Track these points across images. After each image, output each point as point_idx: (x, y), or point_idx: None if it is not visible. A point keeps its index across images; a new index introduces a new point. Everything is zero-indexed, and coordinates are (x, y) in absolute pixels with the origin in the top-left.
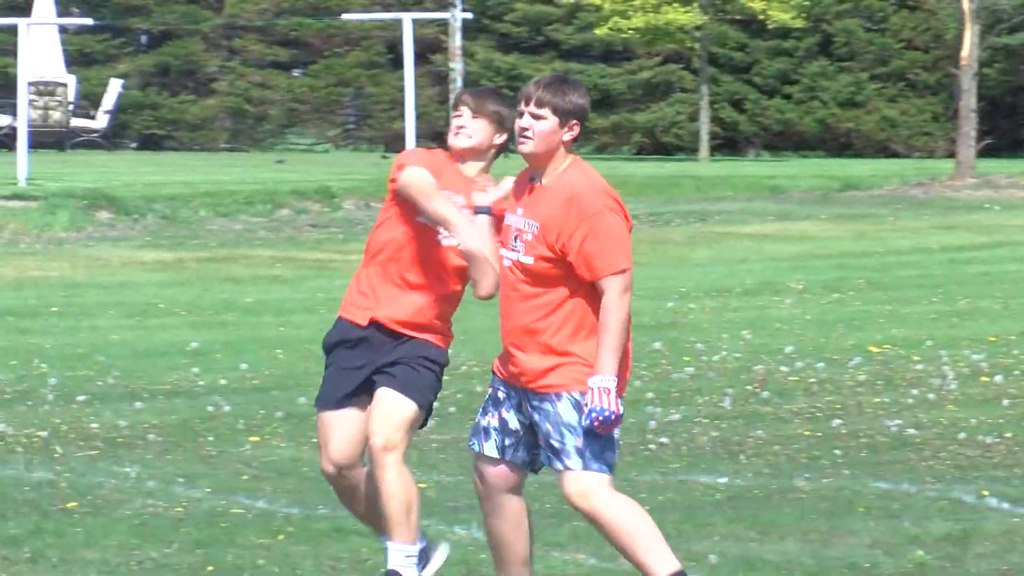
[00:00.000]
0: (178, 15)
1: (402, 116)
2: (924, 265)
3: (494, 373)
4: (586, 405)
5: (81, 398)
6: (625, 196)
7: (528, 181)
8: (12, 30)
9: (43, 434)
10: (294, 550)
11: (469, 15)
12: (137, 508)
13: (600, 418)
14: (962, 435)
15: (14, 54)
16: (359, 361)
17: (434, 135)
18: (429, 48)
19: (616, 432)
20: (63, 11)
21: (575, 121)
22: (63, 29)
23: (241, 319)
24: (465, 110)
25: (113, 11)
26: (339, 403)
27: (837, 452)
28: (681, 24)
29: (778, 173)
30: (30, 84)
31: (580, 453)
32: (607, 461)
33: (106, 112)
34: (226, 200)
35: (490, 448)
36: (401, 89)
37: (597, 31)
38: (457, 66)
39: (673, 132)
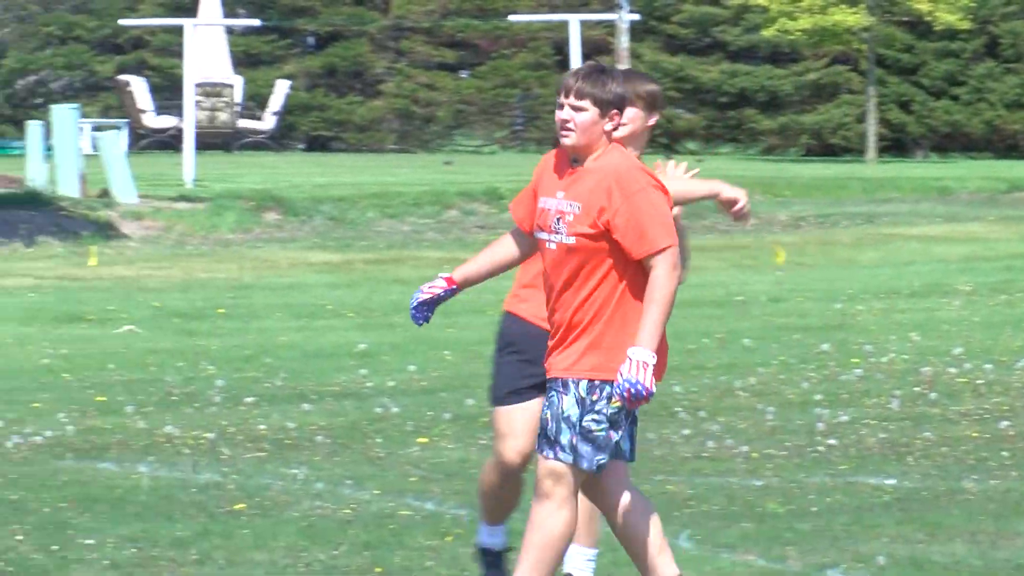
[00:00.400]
0: (345, 16)
1: None
2: None
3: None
4: (620, 375)
5: (248, 400)
6: (792, 198)
7: (569, 164)
8: (179, 31)
9: (210, 436)
10: (462, 552)
11: (636, 16)
12: (305, 510)
13: (632, 391)
14: None
15: (181, 55)
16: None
17: None
18: (596, 49)
19: (615, 435)
20: (229, 12)
21: (615, 111)
22: (229, 30)
23: (409, 321)
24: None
25: (280, 12)
26: (523, 394)
27: (1005, 454)
28: (848, 25)
29: (946, 175)
30: (197, 85)
31: (574, 449)
32: (599, 464)
33: (273, 113)
34: (394, 201)
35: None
36: None
37: (764, 32)
38: (624, 67)
39: (840, 134)
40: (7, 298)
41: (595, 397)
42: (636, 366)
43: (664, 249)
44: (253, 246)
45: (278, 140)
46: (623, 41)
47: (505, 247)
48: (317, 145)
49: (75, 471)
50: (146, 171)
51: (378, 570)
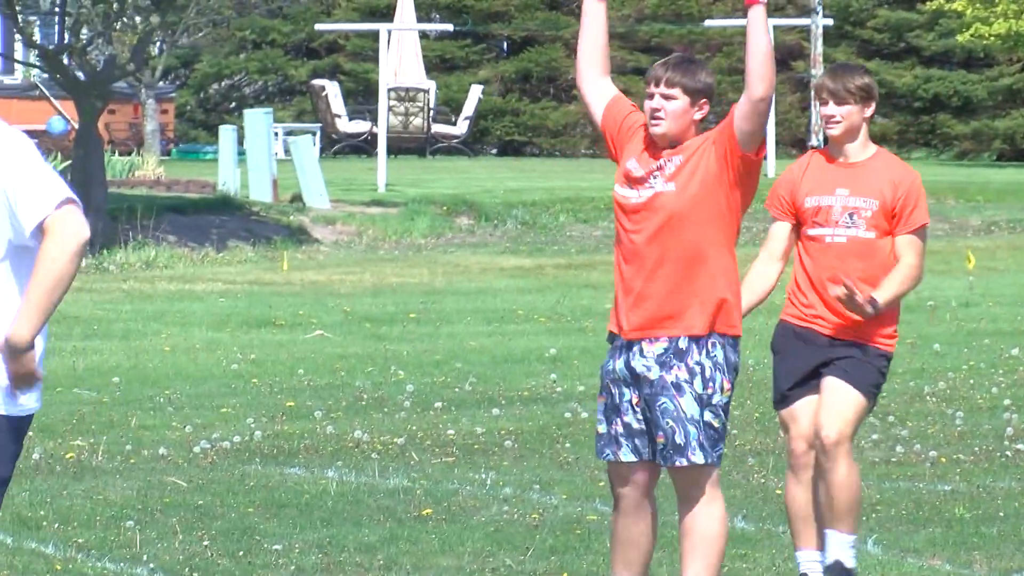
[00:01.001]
0: (539, 21)
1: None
2: None
3: None
4: None
5: (438, 405)
6: (985, 202)
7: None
8: (373, 36)
9: (399, 441)
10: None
11: (830, 21)
12: (492, 515)
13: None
14: None
15: (375, 60)
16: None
17: (795, 141)
18: (791, 54)
19: (723, 422)
20: (424, 17)
21: (704, 99)
22: (423, 35)
23: (599, 325)
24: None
25: (474, 17)
26: (797, 392)
27: None
28: None
29: None
30: (390, 90)
31: (701, 446)
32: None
33: (466, 118)
34: (586, 206)
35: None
36: None
37: (959, 37)
38: (819, 72)
39: None
40: (198, 303)
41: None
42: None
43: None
44: (445, 251)
45: (471, 145)
46: (817, 46)
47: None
48: (510, 150)
49: (263, 476)
50: (338, 176)
51: (565, 575)
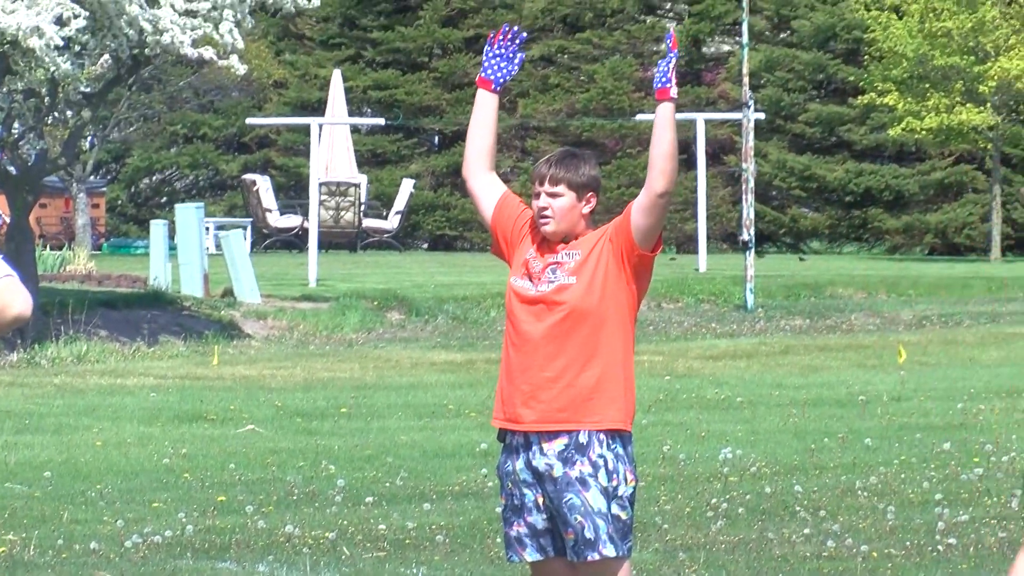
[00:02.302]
0: (470, 116)
1: (694, 217)
2: None
3: None
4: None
5: (369, 499)
6: (916, 297)
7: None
8: (305, 130)
9: (331, 535)
10: None
11: (762, 115)
12: None
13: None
14: None
15: (306, 155)
16: None
17: (726, 236)
18: (722, 148)
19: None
20: (355, 111)
21: (591, 193)
22: (355, 129)
23: None
24: None
25: (405, 111)
26: None
27: None
28: (974, 124)
29: None
30: (322, 184)
31: (611, 540)
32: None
33: (397, 213)
34: None
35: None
36: (693, 190)
37: (891, 131)
38: (750, 167)
39: (965, 233)
40: (129, 397)
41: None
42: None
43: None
44: (376, 346)
45: (402, 239)
46: (749, 140)
47: None
48: (441, 244)
49: (194, 571)
50: (270, 271)
51: None
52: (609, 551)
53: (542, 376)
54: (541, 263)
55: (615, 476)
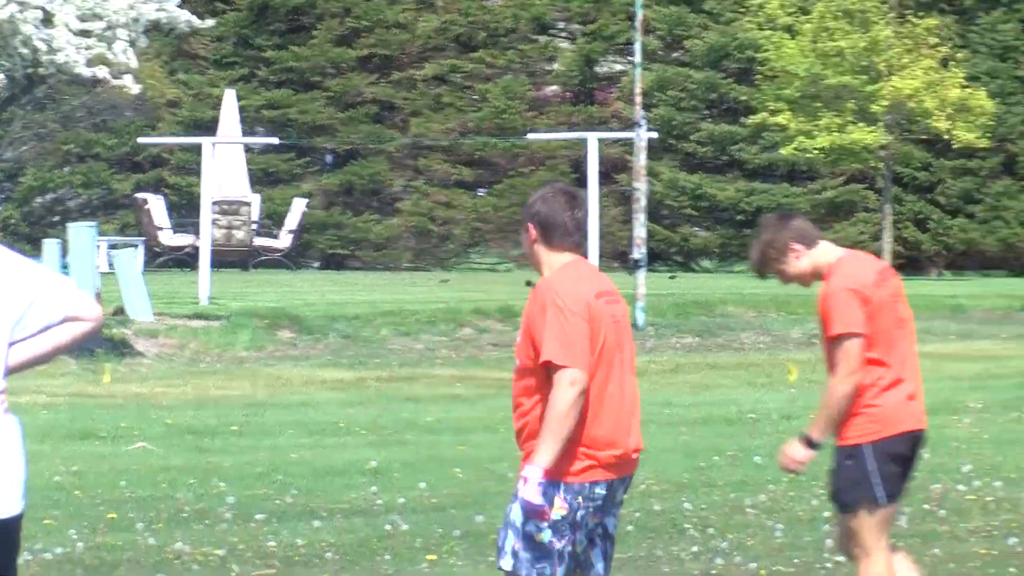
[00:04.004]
0: (363, 135)
1: (586, 236)
2: None
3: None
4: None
5: (259, 516)
6: (806, 315)
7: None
8: (197, 150)
9: (220, 553)
10: None
11: (654, 134)
12: None
13: (526, 508)
14: None
15: (199, 173)
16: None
17: (617, 254)
18: (614, 167)
19: (550, 540)
20: (248, 130)
21: (529, 223)
22: (248, 148)
23: (420, 438)
24: None
25: (298, 131)
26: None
27: (1013, 571)
28: (866, 144)
29: (959, 292)
30: (214, 203)
31: (515, 555)
32: (540, 573)
33: (289, 232)
34: (408, 319)
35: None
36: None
37: (782, 151)
38: (642, 186)
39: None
40: (20, 415)
41: None
42: (523, 483)
43: (557, 366)
44: (267, 363)
45: (294, 258)
46: (641, 159)
47: None
48: (333, 263)
49: None
50: (162, 289)
51: None
52: (506, 564)
53: None
54: None
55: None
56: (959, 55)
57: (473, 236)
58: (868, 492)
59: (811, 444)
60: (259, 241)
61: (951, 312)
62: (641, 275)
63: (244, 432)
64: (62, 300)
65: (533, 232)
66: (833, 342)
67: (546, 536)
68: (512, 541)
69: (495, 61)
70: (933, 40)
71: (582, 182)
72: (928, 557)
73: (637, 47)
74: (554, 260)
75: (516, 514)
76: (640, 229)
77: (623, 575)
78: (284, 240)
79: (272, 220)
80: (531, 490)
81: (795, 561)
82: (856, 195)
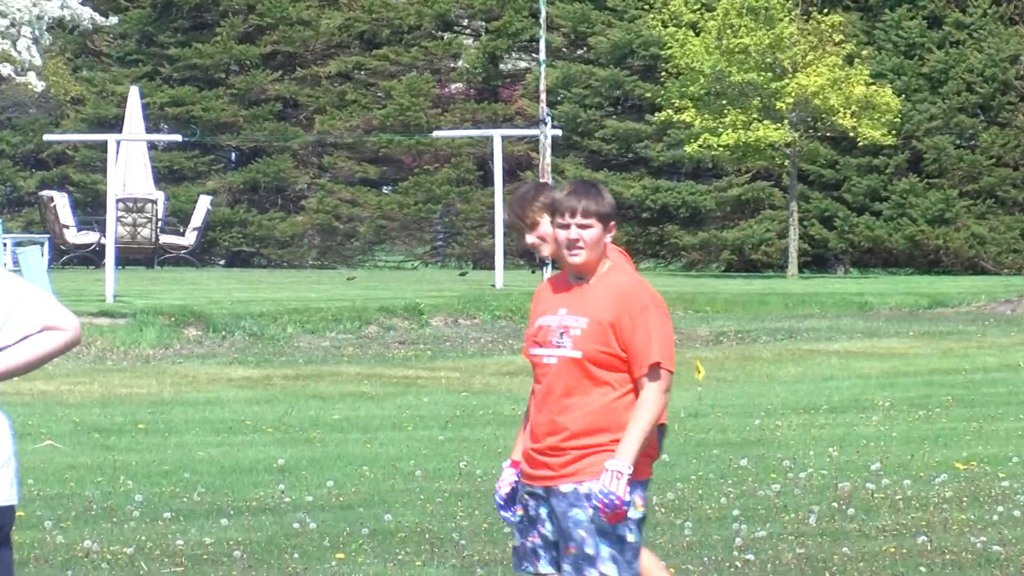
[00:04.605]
0: (268, 132)
1: (491, 233)
2: (1011, 382)
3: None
4: (598, 487)
5: (167, 515)
6: (713, 313)
7: (570, 281)
8: (102, 147)
9: (128, 551)
10: None
11: (559, 132)
12: None
13: (606, 501)
14: None
15: (104, 171)
16: None
17: (523, 252)
18: (519, 165)
19: (637, 539)
20: (152, 128)
21: (612, 222)
22: (152, 146)
23: (327, 436)
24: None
25: (202, 128)
26: None
27: (922, 569)
28: (771, 141)
29: (866, 290)
30: (119, 201)
31: (615, 560)
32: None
33: (194, 229)
34: (314, 317)
35: (544, 566)
36: (491, 206)
37: (687, 148)
38: (547, 183)
39: (762, 249)
40: None
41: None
42: (611, 477)
43: (658, 367)
44: (173, 361)
45: (199, 256)
46: (546, 157)
47: (531, 409)
48: (238, 261)
49: None
50: (67, 286)
51: None
52: (610, 570)
53: None
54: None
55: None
56: (864, 52)
57: (378, 234)
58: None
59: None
60: (164, 239)
61: (858, 310)
62: (547, 273)
63: (151, 430)
64: (41, 311)
65: (612, 232)
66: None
67: (634, 536)
68: (607, 547)
69: (399, 58)
70: (838, 37)
71: (487, 180)
72: (837, 556)
73: (541, 44)
74: (606, 261)
75: (602, 519)
76: (547, 227)
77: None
78: (189, 238)
79: (177, 218)
80: (622, 485)
81: (704, 559)
82: (762, 193)
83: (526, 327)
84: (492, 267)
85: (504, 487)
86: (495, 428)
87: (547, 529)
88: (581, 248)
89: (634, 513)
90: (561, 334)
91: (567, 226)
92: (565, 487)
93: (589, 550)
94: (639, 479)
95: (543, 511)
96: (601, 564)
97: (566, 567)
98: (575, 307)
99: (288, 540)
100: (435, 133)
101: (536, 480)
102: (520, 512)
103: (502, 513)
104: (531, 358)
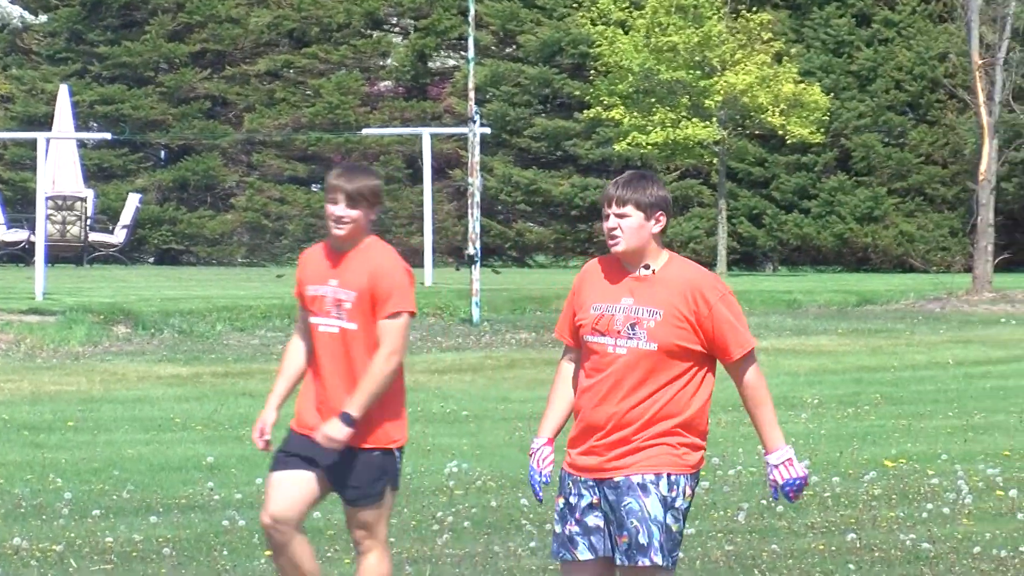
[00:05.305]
0: (197, 130)
1: (420, 231)
2: (939, 380)
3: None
4: (775, 481)
5: (96, 512)
6: None
7: (628, 270)
8: (31, 144)
9: (58, 548)
10: None
11: (488, 130)
12: None
13: (795, 487)
14: (976, 549)
15: (33, 168)
16: None
17: (451, 250)
18: (448, 163)
19: (680, 528)
20: (82, 126)
21: (660, 212)
22: (82, 144)
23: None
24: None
25: (131, 126)
26: None
27: (851, 567)
28: (700, 139)
29: (795, 288)
30: (48, 198)
31: (661, 549)
32: (675, 560)
33: (124, 227)
34: (243, 315)
35: (582, 553)
36: (419, 204)
37: (616, 146)
38: (476, 181)
39: (691, 247)
40: None
41: (673, 493)
42: (785, 466)
43: (752, 350)
44: (103, 359)
45: (128, 254)
46: (475, 154)
47: (561, 389)
48: (167, 259)
49: None
50: None
51: None
52: (659, 559)
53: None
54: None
55: (675, 487)
56: (793, 50)
57: (307, 232)
58: (396, 484)
59: (350, 422)
60: (94, 236)
61: (787, 307)
62: (476, 271)
63: (80, 428)
64: None
65: (662, 222)
66: (393, 316)
67: (678, 525)
68: (658, 536)
69: (328, 56)
70: (767, 35)
71: (416, 178)
72: (766, 553)
73: (470, 42)
74: (662, 252)
75: (654, 509)
76: (475, 225)
77: (461, 571)
78: (118, 235)
79: (106, 215)
80: (796, 467)
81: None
82: (691, 190)
83: (453, 324)
84: (421, 265)
85: (547, 467)
86: (424, 425)
87: (589, 517)
88: (618, 236)
89: (681, 503)
90: (632, 325)
91: (607, 216)
92: (619, 477)
93: (643, 539)
94: (691, 471)
95: (586, 500)
96: (654, 553)
97: (619, 557)
98: (644, 298)
99: (217, 537)
100: (364, 131)
101: (590, 471)
102: (561, 501)
103: (540, 494)
104: (590, 346)
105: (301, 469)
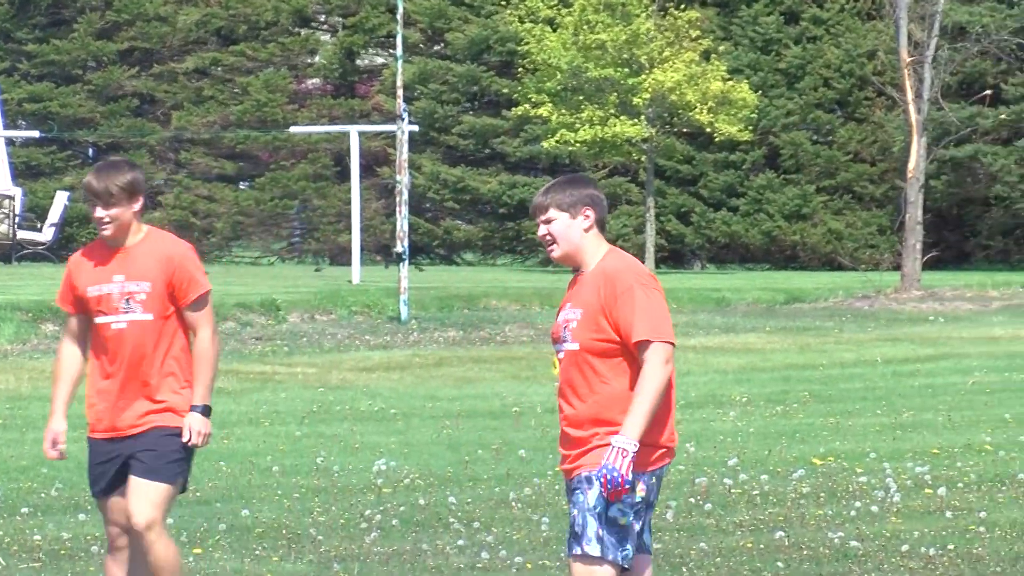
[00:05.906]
0: (125, 128)
1: (348, 229)
2: (868, 378)
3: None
4: (601, 463)
5: (24, 510)
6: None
7: (576, 275)
8: None
9: None
10: None
11: (416, 128)
12: None
13: (609, 478)
14: (905, 547)
15: None
16: None
17: (379, 247)
18: (376, 160)
19: (637, 525)
20: (9, 123)
21: (584, 207)
22: (10, 141)
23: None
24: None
25: (59, 123)
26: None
27: (780, 564)
28: (628, 137)
29: (723, 285)
30: None
31: (600, 540)
32: (625, 556)
33: (52, 225)
34: None
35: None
36: (347, 202)
37: (544, 144)
38: (404, 179)
39: (619, 244)
40: None
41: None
42: (616, 454)
43: (656, 341)
44: (31, 357)
45: (57, 252)
46: (403, 152)
47: None
48: None
49: None
50: None
51: None
52: (593, 549)
53: None
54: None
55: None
56: (721, 48)
57: (235, 230)
58: (185, 472)
59: (208, 412)
60: (22, 234)
61: (715, 305)
62: (404, 269)
63: (8, 425)
64: None
65: (591, 217)
66: (201, 299)
67: (628, 519)
68: (594, 527)
69: (256, 54)
70: (695, 33)
71: (344, 175)
72: (695, 551)
73: (398, 40)
74: (601, 248)
75: (594, 500)
76: (403, 222)
77: (389, 569)
78: (47, 233)
79: (35, 213)
80: (626, 463)
81: (562, 555)
82: (619, 188)
83: (381, 322)
84: (349, 263)
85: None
86: (352, 424)
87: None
88: (551, 242)
89: (636, 496)
90: (565, 327)
91: (538, 227)
92: (575, 474)
93: (577, 528)
94: (651, 469)
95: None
96: (586, 543)
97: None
98: (575, 299)
99: None
100: (292, 129)
101: (563, 468)
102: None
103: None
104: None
105: (126, 478)
